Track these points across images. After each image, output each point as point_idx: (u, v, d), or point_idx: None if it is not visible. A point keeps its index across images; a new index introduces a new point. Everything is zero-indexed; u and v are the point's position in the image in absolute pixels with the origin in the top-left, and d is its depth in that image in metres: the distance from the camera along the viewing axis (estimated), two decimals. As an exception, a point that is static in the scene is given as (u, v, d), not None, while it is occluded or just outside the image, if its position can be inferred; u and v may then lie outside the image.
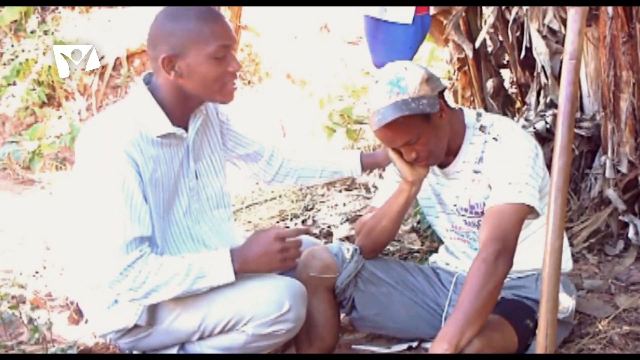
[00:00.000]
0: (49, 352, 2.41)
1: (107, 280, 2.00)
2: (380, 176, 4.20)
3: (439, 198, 2.38)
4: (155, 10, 2.14)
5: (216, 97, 2.14)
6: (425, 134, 2.12)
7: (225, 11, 5.59)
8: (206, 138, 2.29)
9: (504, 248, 1.99)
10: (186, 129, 2.17)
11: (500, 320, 2.10)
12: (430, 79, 2.10)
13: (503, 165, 2.13)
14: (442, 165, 2.31)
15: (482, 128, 2.24)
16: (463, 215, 2.31)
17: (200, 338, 2.17)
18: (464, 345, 1.91)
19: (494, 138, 2.20)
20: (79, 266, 2.27)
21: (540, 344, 1.75)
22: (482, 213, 2.22)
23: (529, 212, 2.10)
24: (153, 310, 2.13)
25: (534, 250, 2.24)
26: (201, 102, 2.19)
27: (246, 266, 2.08)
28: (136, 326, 2.15)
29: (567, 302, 2.30)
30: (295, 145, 2.63)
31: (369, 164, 2.61)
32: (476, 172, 2.24)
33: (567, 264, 2.38)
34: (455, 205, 2.31)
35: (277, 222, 3.81)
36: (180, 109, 2.13)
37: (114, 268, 1.98)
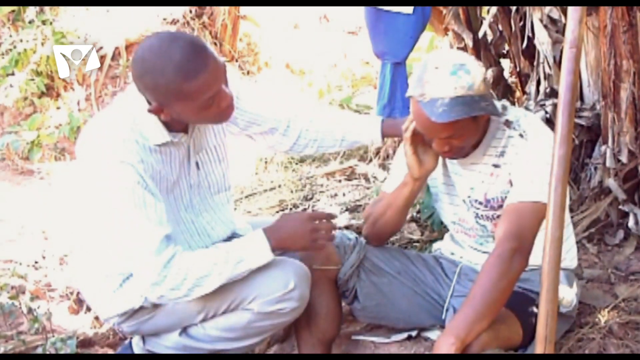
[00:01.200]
0: (48, 342, 2.41)
1: (147, 285, 1.99)
2: (381, 166, 4.20)
3: (449, 188, 2.36)
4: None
5: (210, 124, 2.18)
6: (468, 132, 2.10)
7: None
8: (210, 128, 2.28)
9: (521, 246, 1.98)
10: (186, 130, 2.16)
11: (506, 312, 2.09)
12: (485, 77, 2.07)
13: (528, 162, 2.10)
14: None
15: (507, 123, 2.20)
16: (477, 209, 2.28)
17: (204, 319, 2.18)
18: (471, 340, 1.91)
19: (520, 134, 2.16)
20: (84, 255, 2.27)
21: (540, 334, 1.75)
22: (498, 207, 2.21)
23: None
24: None
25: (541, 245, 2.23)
26: None
27: (281, 244, 2.09)
28: (141, 308, 2.16)
29: (570, 297, 2.30)
30: (314, 112, 2.52)
31: (390, 133, 2.51)
32: (496, 166, 2.20)
33: (572, 261, 2.38)
34: (469, 197, 2.28)
35: (277, 211, 3.81)
36: (177, 122, 2.11)
37: (152, 272, 1.97)
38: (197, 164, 2.22)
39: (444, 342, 1.90)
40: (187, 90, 1.93)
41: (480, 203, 2.26)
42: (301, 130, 2.47)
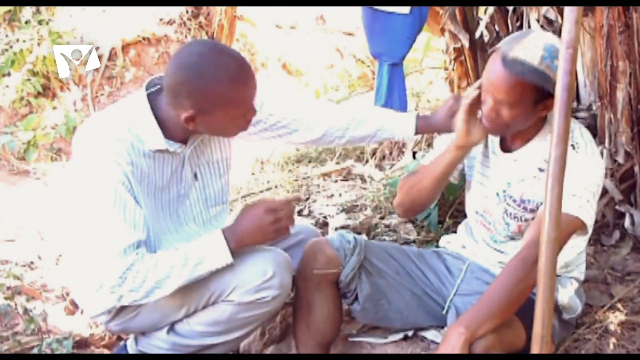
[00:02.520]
0: (44, 343, 2.41)
1: (108, 285, 1.99)
2: (378, 167, 4.20)
3: (485, 178, 2.33)
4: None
5: (229, 136, 2.23)
6: (522, 110, 2.07)
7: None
8: (214, 141, 2.29)
9: None
10: (185, 142, 2.16)
11: (512, 316, 2.08)
12: None
13: (573, 175, 2.02)
14: (506, 149, 2.27)
15: None
16: (508, 205, 2.25)
17: (187, 314, 2.18)
18: (479, 335, 1.92)
19: (572, 145, 2.11)
20: (72, 255, 2.28)
21: (537, 334, 1.75)
22: (531, 211, 2.19)
23: (581, 228, 2.07)
24: None
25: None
26: None
27: (241, 243, 2.08)
28: (125, 306, 2.15)
29: (577, 306, 2.30)
30: (342, 111, 2.51)
31: (424, 129, 2.49)
32: (541, 170, 2.17)
33: (581, 275, 2.38)
34: (504, 191, 2.25)
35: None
36: (181, 132, 2.12)
37: (114, 273, 1.97)
38: (195, 175, 2.23)
39: (454, 331, 1.92)
40: (235, 97, 1.99)
41: (514, 200, 2.24)
42: (328, 127, 2.47)
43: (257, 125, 2.38)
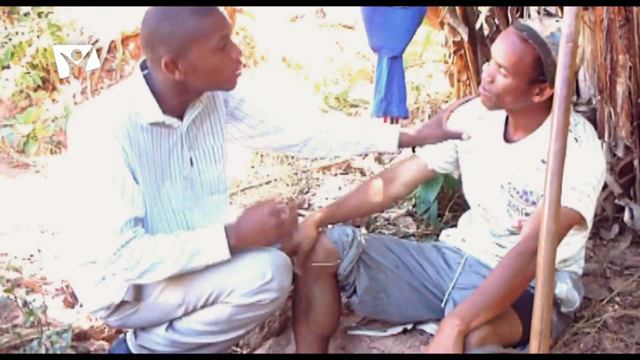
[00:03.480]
0: (44, 335, 2.41)
1: (103, 261, 2.00)
2: (377, 160, 4.20)
3: (486, 169, 2.33)
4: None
5: (222, 88, 2.16)
6: (515, 83, 2.08)
7: (221, -6, 5.55)
8: (207, 126, 2.28)
9: None
10: (182, 117, 2.16)
11: (508, 308, 2.10)
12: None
13: (574, 169, 2.03)
14: (510, 140, 2.27)
15: None
16: (512, 197, 2.25)
17: (186, 313, 2.18)
18: (474, 327, 1.93)
19: (575, 138, 2.11)
20: (71, 246, 2.28)
21: (535, 328, 1.75)
22: (532, 204, 2.19)
23: (580, 222, 2.08)
24: (139, 286, 2.14)
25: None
26: (200, 93, 2.17)
27: (241, 242, 2.07)
28: (124, 302, 2.16)
29: (575, 299, 2.30)
30: (328, 117, 2.51)
31: (408, 142, 2.47)
32: (544, 162, 2.16)
33: (580, 270, 2.39)
34: (509, 183, 2.25)
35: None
36: (177, 100, 2.12)
37: (109, 249, 1.97)
38: (190, 160, 2.22)
39: (449, 322, 1.92)
40: (204, 27, 1.98)
41: (517, 192, 2.24)
42: (313, 132, 2.46)
43: (244, 120, 2.38)
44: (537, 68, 2.04)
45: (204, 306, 2.15)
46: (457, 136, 2.34)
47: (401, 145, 2.45)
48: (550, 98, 2.09)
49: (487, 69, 2.14)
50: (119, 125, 2.00)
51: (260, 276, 2.09)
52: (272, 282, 2.10)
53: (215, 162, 2.31)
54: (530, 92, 2.10)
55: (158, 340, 2.24)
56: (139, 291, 2.15)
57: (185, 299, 2.14)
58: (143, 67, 2.13)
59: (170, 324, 2.22)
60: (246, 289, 2.09)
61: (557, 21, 2.07)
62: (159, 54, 2.00)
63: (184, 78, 2.04)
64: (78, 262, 2.23)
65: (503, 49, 2.08)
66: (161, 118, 2.08)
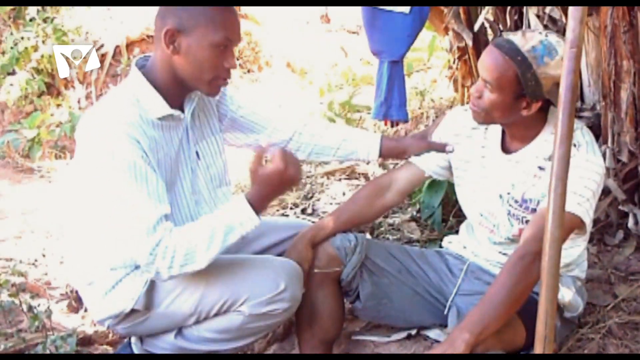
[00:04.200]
0: (48, 340, 2.41)
1: (142, 264, 1.97)
2: (382, 166, 4.20)
3: (486, 180, 2.31)
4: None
5: (202, 87, 2.10)
6: (501, 99, 2.07)
7: None
8: (205, 120, 2.28)
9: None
10: (182, 110, 2.16)
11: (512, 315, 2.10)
12: (557, 80, 1.94)
13: (573, 173, 1.99)
14: (507, 151, 2.25)
15: None
16: (511, 206, 2.24)
17: (197, 321, 2.17)
18: (483, 339, 1.93)
19: (573, 144, 2.05)
20: (78, 256, 2.25)
21: (540, 334, 1.75)
22: (532, 211, 2.18)
23: (579, 226, 2.08)
24: (150, 295, 2.14)
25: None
26: (190, 86, 2.16)
27: (265, 203, 2.05)
28: (133, 311, 2.15)
29: (577, 303, 2.30)
30: (312, 120, 2.49)
31: (390, 151, 2.45)
32: (541, 168, 2.16)
33: (582, 273, 2.38)
34: (509, 193, 2.24)
35: (277, 210, 3.81)
36: (174, 90, 2.10)
37: (144, 251, 1.94)
38: (197, 153, 2.22)
39: (459, 335, 1.92)
40: (218, 19, 2.00)
41: (516, 201, 2.22)
42: (294, 132, 2.45)
43: (228, 115, 2.38)
44: (519, 83, 2.04)
45: (215, 315, 2.15)
46: (442, 148, 2.34)
47: (383, 153, 2.44)
48: (545, 108, 2.11)
49: (475, 84, 2.14)
50: (133, 125, 1.99)
51: (274, 286, 2.10)
52: (285, 292, 2.11)
53: (220, 153, 2.31)
54: (518, 107, 2.09)
55: (165, 346, 2.24)
56: (150, 299, 2.14)
57: (198, 307, 2.13)
58: (139, 65, 2.12)
59: (179, 330, 2.22)
60: (259, 299, 2.09)
61: (540, 33, 2.06)
62: (166, 23, 2.00)
63: (174, 58, 2.03)
64: (86, 275, 2.21)
65: (486, 64, 2.07)
66: (169, 111, 2.08)
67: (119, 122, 1.98)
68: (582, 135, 2.15)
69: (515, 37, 2.04)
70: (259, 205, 2.02)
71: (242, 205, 2.01)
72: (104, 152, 1.96)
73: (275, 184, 2.01)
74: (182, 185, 2.18)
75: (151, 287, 2.13)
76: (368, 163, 4.07)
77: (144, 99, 2.05)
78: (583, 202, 2.05)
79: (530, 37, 2.03)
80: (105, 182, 1.97)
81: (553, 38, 2.04)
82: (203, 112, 2.28)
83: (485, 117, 2.15)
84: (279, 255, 2.36)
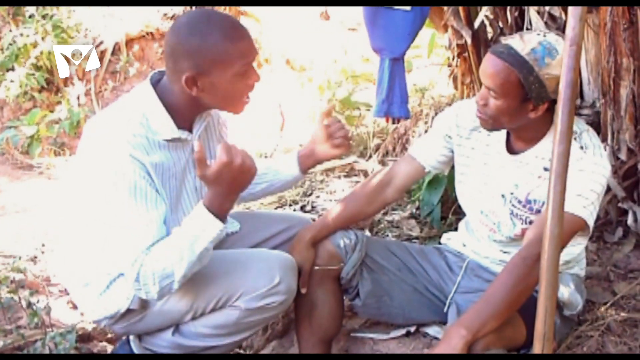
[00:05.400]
0: (47, 336, 2.41)
1: (133, 289, 2.00)
2: (381, 163, 4.20)
3: (489, 178, 2.30)
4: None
5: (229, 109, 2.13)
6: (507, 104, 2.05)
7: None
8: (211, 137, 2.29)
9: None
10: (190, 130, 2.15)
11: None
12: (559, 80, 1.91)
13: (581, 176, 2.04)
14: (512, 151, 2.25)
15: None
16: (514, 206, 2.23)
17: (194, 318, 2.18)
18: (481, 336, 1.93)
19: (580, 147, 2.10)
20: (71, 259, 2.25)
21: (539, 332, 1.76)
22: (536, 212, 2.18)
23: (583, 229, 2.08)
24: None
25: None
26: (209, 109, 2.18)
27: (225, 204, 1.98)
28: (129, 310, 2.16)
29: (577, 301, 2.30)
30: None
31: (308, 163, 2.48)
32: (546, 169, 2.15)
33: (582, 271, 2.39)
34: (512, 193, 2.23)
35: (276, 208, 3.81)
36: (187, 113, 2.11)
37: (131, 276, 1.96)
38: None
39: (456, 332, 1.92)
40: (232, 51, 1.98)
41: (520, 202, 2.22)
42: None
43: (225, 139, 2.39)
44: (523, 87, 2.02)
45: (212, 311, 2.15)
46: (346, 137, 2.38)
47: (302, 168, 2.47)
48: (551, 109, 2.10)
49: (479, 92, 2.12)
50: (137, 145, 1.98)
51: (268, 280, 2.10)
52: (280, 284, 2.11)
53: None
54: (524, 110, 2.08)
55: (163, 343, 2.24)
56: (145, 299, 2.14)
57: (194, 305, 2.14)
58: (153, 80, 2.11)
59: (177, 328, 2.22)
60: (255, 293, 2.10)
61: (538, 34, 2.04)
62: (182, 67, 1.98)
63: (199, 95, 2.03)
64: (80, 275, 2.21)
65: (487, 72, 2.05)
66: (177, 134, 2.07)
67: (123, 143, 1.97)
68: (590, 137, 2.14)
69: (514, 41, 2.03)
70: (218, 207, 1.96)
71: (199, 211, 1.97)
72: (107, 170, 1.96)
73: (227, 178, 1.92)
74: (187, 203, 2.18)
75: None
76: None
77: (153, 119, 2.04)
78: (588, 205, 2.05)
79: (529, 39, 2.02)
80: (104, 199, 1.97)
81: (552, 37, 2.03)
82: (209, 130, 2.29)
83: (493, 124, 2.14)
84: (274, 248, 2.38)
